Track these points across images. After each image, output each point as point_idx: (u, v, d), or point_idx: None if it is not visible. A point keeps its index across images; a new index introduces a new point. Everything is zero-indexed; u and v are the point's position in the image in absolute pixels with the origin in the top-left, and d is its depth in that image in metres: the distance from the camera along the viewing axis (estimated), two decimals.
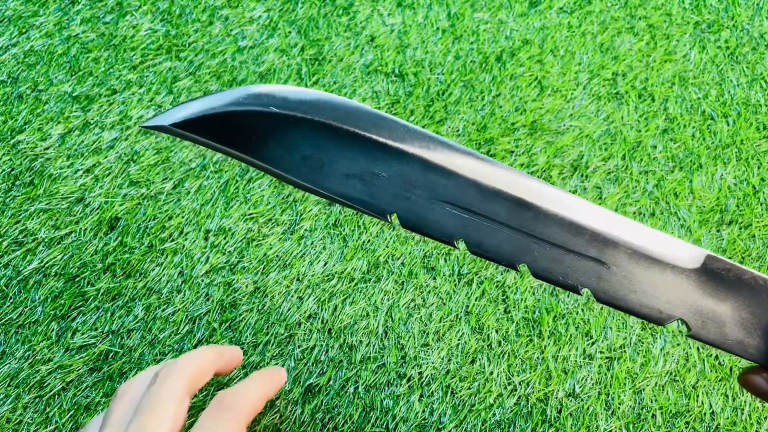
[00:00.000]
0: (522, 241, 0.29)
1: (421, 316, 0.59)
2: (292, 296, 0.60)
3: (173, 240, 0.62)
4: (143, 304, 0.59)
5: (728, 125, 0.71)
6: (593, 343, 0.58)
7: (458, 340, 0.58)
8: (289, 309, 0.59)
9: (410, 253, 0.62)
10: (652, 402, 0.56)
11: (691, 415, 0.56)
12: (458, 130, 0.69)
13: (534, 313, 0.59)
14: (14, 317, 0.58)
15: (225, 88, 0.70)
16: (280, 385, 0.36)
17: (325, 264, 0.61)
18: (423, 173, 0.29)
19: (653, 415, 0.56)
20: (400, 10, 0.77)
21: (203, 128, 0.28)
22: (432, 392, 0.57)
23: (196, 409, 0.55)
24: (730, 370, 0.57)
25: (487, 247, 0.29)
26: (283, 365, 0.57)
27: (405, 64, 0.73)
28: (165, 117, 0.28)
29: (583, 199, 0.29)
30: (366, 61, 0.73)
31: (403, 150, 0.29)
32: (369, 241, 0.62)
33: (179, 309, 0.59)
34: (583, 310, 0.59)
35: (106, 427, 0.34)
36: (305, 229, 0.63)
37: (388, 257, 0.62)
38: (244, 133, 0.28)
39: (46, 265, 0.60)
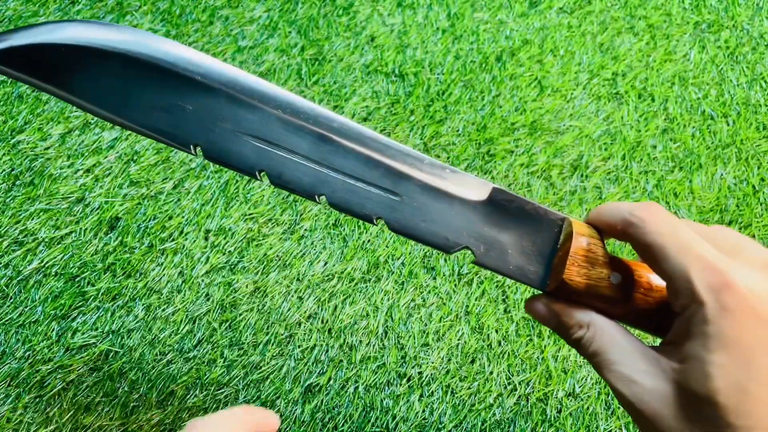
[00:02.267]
0: (321, 174, 0.30)
1: (421, 316, 0.59)
2: (292, 296, 0.60)
3: (173, 240, 0.62)
4: (143, 304, 0.59)
5: (728, 125, 0.71)
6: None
7: (458, 340, 0.59)
8: (289, 309, 0.59)
9: (410, 253, 0.62)
10: None
11: None
12: (458, 130, 0.69)
13: None
14: (14, 317, 0.58)
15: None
16: (272, 427, 0.34)
17: (325, 264, 0.61)
18: (229, 107, 0.30)
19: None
20: (400, 10, 0.77)
21: (10, 60, 0.29)
22: (432, 392, 0.57)
23: None
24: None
25: (288, 179, 0.30)
26: (283, 365, 0.57)
27: (405, 64, 0.73)
28: None
29: (381, 135, 0.30)
30: (366, 61, 0.73)
31: (209, 84, 0.29)
32: (369, 241, 0.62)
33: (179, 309, 0.59)
34: None
35: None
36: (305, 229, 0.63)
37: (388, 257, 0.62)
38: (53, 65, 0.29)
39: (47, 265, 0.60)
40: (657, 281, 0.29)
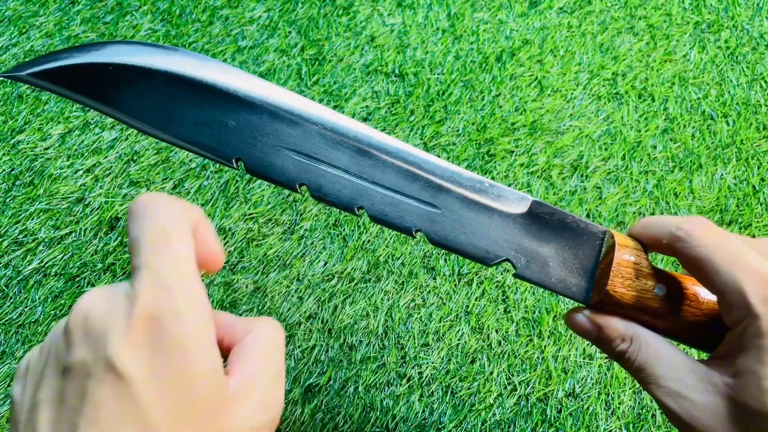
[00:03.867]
0: (361, 187, 0.31)
1: (421, 316, 0.59)
2: (292, 296, 0.60)
3: None
4: None
5: (728, 125, 0.71)
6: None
7: (458, 340, 0.59)
8: (289, 309, 0.59)
9: (410, 253, 0.62)
10: (652, 402, 0.56)
11: None
12: (458, 130, 0.69)
13: (534, 313, 0.60)
14: (14, 317, 0.58)
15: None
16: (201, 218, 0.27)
17: (325, 264, 0.61)
18: (270, 122, 0.31)
19: (653, 415, 0.56)
20: (400, 10, 0.77)
21: (59, 78, 0.30)
22: (432, 392, 0.57)
23: None
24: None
25: (327, 191, 0.31)
26: None
27: (405, 64, 0.73)
28: (23, 68, 0.30)
29: (420, 150, 0.31)
30: (366, 61, 0.73)
31: (252, 101, 0.31)
32: (369, 241, 0.62)
33: None
34: None
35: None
36: (305, 229, 0.63)
37: (388, 257, 0.62)
38: (100, 83, 0.30)
39: (46, 265, 0.60)
40: (704, 294, 0.29)
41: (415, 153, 0.31)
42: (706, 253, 0.26)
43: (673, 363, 0.27)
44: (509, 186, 0.66)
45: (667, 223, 0.28)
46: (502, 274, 0.61)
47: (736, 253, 0.25)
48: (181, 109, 0.30)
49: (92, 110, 0.29)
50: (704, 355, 0.30)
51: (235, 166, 0.30)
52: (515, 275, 0.30)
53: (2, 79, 0.63)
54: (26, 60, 0.68)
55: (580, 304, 0.30)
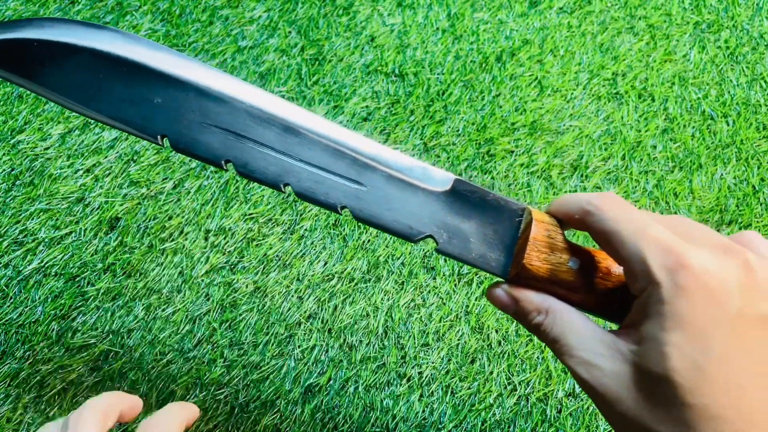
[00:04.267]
0: (287, 164, 0.31)
1: (421, 316, 0.59)
2: (292, 296, 0.60)
3: (173, 240, 0.62)
4: (143, 304, 0.59)
5: (728, 125, 0.71)
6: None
7: (458, 340, 0.59)
8: (289, 309, 0.59)
9: (410, 253, 0.62)
10: None
11: None
12: (458, 130, 0.69)
13: None
14: (14, 317, 0.58)
15: None
16: (196, 416, 0.38)
17: (325, 264, 0.61)
18: (197, 99, 0.31)
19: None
20: (400, 10, 0.77)
21: None
22: (432, 392, 0.57)
23: None
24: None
25: (253, 168, 0.31)
26: (283, 365, 0.57)
27: (405, 64, 0.73)
28: None
29: (345, 128, 0.31)
30: (366, 61, 0.73)
31: (178, 78, 0.31)
32: (369, 241, 0.62)
33: (179, 309, 0.59)
34: None
35: None
36: (305, 229, 0.63)
37: (388, 257, 0.62)
38: (25, 60, 0.31)
39: (47, 265, 0.60)
40: (616, 268, 0.30)
41: (342, 131, 0.31)
42: (614, 225, 0.27)
43: (584, 333, 0.27)
44: (508, 186, 0.66)
45: (579, 199, 0.29)
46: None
47: (641, 225, 0.26)
48: (106, 86, 0.30)
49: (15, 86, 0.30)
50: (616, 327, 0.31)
51: (160, 142, 0.31)
52: (437, 250, 0.31)
53: None
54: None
55: (500, 279, 0.31)
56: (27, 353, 0.57)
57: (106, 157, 0.65)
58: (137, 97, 0.30)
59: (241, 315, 0.59)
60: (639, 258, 0.25)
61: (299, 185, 0.31)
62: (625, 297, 0.29)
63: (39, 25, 0.31)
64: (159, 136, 0.31)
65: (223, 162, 0.30)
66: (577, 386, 0.57)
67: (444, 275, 0.61)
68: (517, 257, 0.30)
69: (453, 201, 0.31)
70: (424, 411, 0.56)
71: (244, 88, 0.31)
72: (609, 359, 0.26)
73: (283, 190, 0.31)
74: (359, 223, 0.32)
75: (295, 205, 0.64)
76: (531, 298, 0.30)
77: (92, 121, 0.68)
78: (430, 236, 0.31)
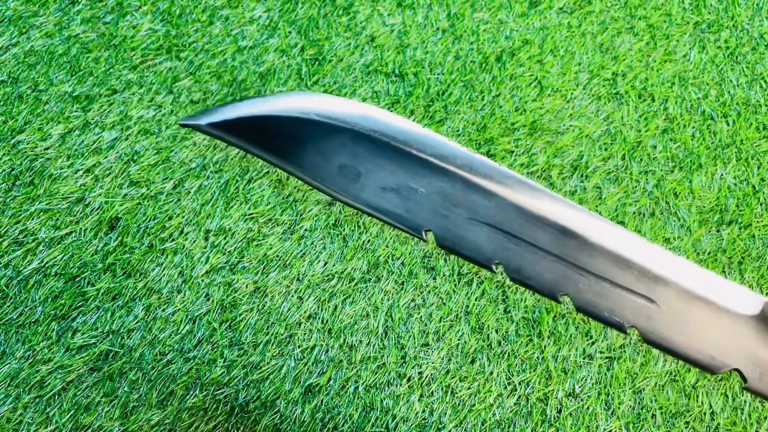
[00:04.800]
0: (565, 271, 0.26)
1: (421, 316, 0.59)
2: (292, 296, 0.60)
3: (173, 240, 0.62)
4: (143, 304, 0.59)
5: (728, 125, 0.71)
6: (593, 343, 0.58)
7: (458, 340, 0.59)
8: (289, 309, 0.59)
9: (410, 253, 0.62)
10: (652, 402, 0.56)
11: (691, 415, 0.56)
12: (458, 130, 0.69)
13: (534, 313, 0.60)
14: (14, 317, 0.58)
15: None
16: None
17: (325, 264, 0.61)
18: (463, 192, 0.27)
19: (653, 415, 0.56)
20: (400, 10, 0.77)
21: (239, 131, 0.27)
22: (432, 392, 0.57)
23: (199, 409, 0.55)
24: (730, 371, 0.57)
25: (527, 274, 0.26)
26: (283, 365, 0.57)
27: (405, 64, 0.73)
28: (202, 116, 0.27)
29: (631, 232, 0.26)
30: (366, 61, 0.73)
31: (445, 167, 0.27)
32: (369, 241, 0.62)
33: (179, 309, 0.59)
34: None
35: None
36: (305, 229, 0.63)
37: (388, 257, 0.62)
38: (282, 138, 0.27)
39: (46, 265, 0.60)
40: None
41: (629, 237, 0.27)
42: None
43: None
44: None
45: None
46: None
47: None
48: (367, 172, 0.27)
49: (265, 163, 0.25)
50: None
51: (424, 237, 0.28)
52: (745, 388, 0.25)
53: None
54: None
55: None
56: (27, 353, 0.57)
57: (106, 157, 0.65)
58: (400, 186, 0.27)
59: (241, 315, 0.59)
60: None
61: (579, 297, 0.26)
62: None
63: (297, 98, 0.26)
64: (423, 231, 0.27)
65: (493, 265, 0.27)
66: (577, 386, 0.57)
67: (444, 275, 0.61)
68: None
69: (764, 329, 0.25)
70: (424, 411, 0.56)
71: (514, 180, 0.27)
72: None
73: (560, 300, 0.27)
74: (646, 343, 0.26)
75: (295, 205, 0.64)
76: None
77: (93, 120, 0.68)
78: (737, 370, 0.26)
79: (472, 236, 0.26)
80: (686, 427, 0.55)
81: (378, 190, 0.27)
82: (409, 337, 0.58)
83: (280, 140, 0.27)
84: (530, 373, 0.57)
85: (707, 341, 0.25)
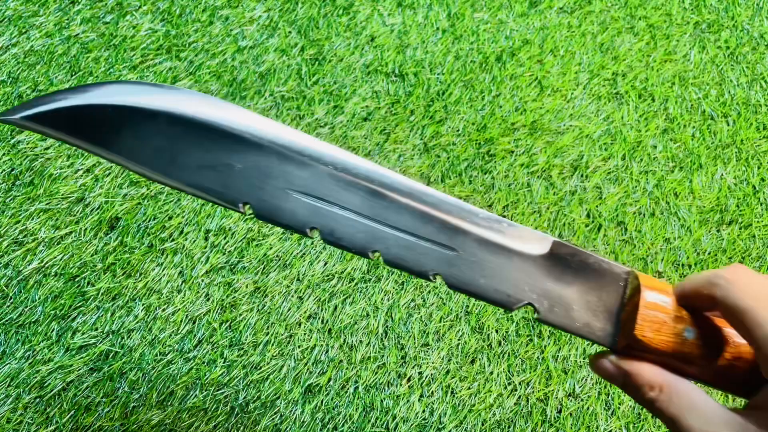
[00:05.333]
0: (375, 230, 0.29)
1: (421, 316, 0.59)
2: (292, 296, 0.60)
3: (173, 240, 0.62)
4: (143, 304, 0.59)
5: (728, 125, 0.71)
6: (593, 343, 0.58)
7: (458, 340, 0.58)
8: (289, 309, 0.59)
9: None
10: None
11: None
12: (458, 130, 0.69)
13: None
14: (14, 317, 0.58)
15: (224, 88, 0.70)
16: None
17: (325, 264, 0.61)
18: (279, 164, 0.29)
19: (653, 415, 0.56)
20: (400, 10, 0.77)
21: (55, 122, 0.28)
22: (432, 392, 0.57)
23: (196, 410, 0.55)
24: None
25: (340, 235, 0.29)
26: (283, 365, 0.57)
27: (405, 64, 0.73)
28: (17, 110, 0.29)
29: (435, 190, 0.30)
30: (366, 61, 0.73)
31: (259, 142, 0.29)
32: None
33: (179, 309, 0.59)
34: None
35: None
36: None
37: None
38: (98, 127, 0.28)
39: (46, 265, 0.60)
40: (737, 337, 0.28)
41: (430, 193, 0.30)
42: (747, 303, 0.24)
43: (707, 414, 0.25)
44: (509, 186, 0.66)
45: (706, 274, 0.27)
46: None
47: None
48: (184, 152, 0.29)
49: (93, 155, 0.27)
50: (739, 400, 0.29)
51: (242, 210, 0.29)
52: (538, 319, 0.29)
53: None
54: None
55: (605, 349, 0.29)
56: (27, 353, 0.57)
57: None
58: (217, 163, 0.29)
59: (241, 315, 0.59)
60: None
61: (388, 252, 0.29)
62: (750, 372, 0.27)
63: (112, 88, 0.29)
64: (241, 204, 0.29)
65: (308, 229, 0.29)
66: (577, 386, 0.57)
67: None
68: (626, 326, 0.28)
69: (552, 265, 0.29)
70: (424, 411, 0.56)
71: (326, 149, 0.30)
72: None
73: (371, 257, 0.29)
74: (450, 288, 0.30)
75: None
76: (643, 371, 0.27)
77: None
78: (530, 304, 0.29)
79: (288, 205, 0.28)
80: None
81: (195, 169, 0.28)
82: (409, 337, 0.58)
83: (96, 129, 0.29)
84: (530, 373, 0.57)
85: (502, 281, 0.29)
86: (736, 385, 0.28)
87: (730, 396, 0.56)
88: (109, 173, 0.65)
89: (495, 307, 0.29)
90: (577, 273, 0.29)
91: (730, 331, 0.28)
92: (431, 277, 0.29)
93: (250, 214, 0.29)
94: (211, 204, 0.63)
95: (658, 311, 0.27)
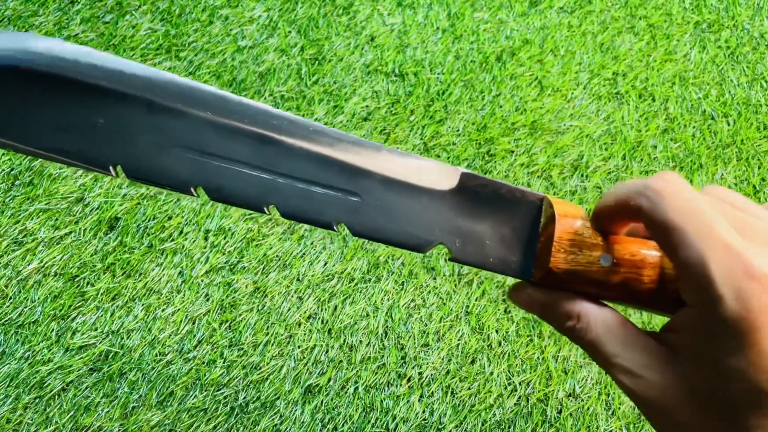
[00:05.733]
0: (268, 181, 0.26)
1: (421, 317, 0.59)
2: (292, 296, 0.60)
3: (173, 240, 0.61)
4: (143, 305, 0.59)
5: (729, 125, 0.71)
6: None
7: (458, 340, 0.58)
8: (289, 309, 0.59)
9: (410, 253, 0.62)
10: None
11: None
12: (458, 130, 0.69)
13: None
14: (14, 317, 0.58)
15: (224, 87, 0.70)
16: None
17: (325, 264, 0.61)
18: (148, 115, 0.25)
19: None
20: (400, 10, 0.76)
21: None
22: (432, 392, 0.56)
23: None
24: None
25: (229, 192, 0.26)
26: (282, 366, 0.57)
27: (405, 64, 0.73)
28: None
29: (329, 128, 0.26)
30: (366, 61, 0.72)
31: (123, 92, 0.25)
32: (369, 241, 0.62)
33: (179, 309, 0.59)
34: None
35: None
36: (305, 229, 0.63)
37: (388, 257, 0.61)
38: None
39: (46, 265, 0.60)
40: (652, 257, 0.27)
41: (324, 131, 0.26)
42: (675, 218, 0.23)
43: (625, 339, 0.25)
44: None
45: (635, 184, 0.25)
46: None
47: (707, 221, 0.23)
48: (33, 111, 0.24)
49: None
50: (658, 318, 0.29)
51: (113, 173, 0.25)
52: (451, 259, 0.27)
53: None
54: None
55: (522, 281, 0.28)
56: (27, 353, 0.57)
57: None
58: (74, 121, 0.24)
59: (240, 315, 0.59)
60: (700, 264, 0.22)
61: (285, 204, 0.26)
62: (669, 293, 0.26)
63: None
64: (111, 166, 0.25)
65: (192, 189, 0.25)
66: (577, 387, 0.57)
67: (444, 275, 0.61)
68: (541, 258, 0.27)
69: (462, 200, 0.27)
70: (424, 411, 0.56)
71: (201, 93, 0.25)
72: (657, 371, 0.24)
73: (267, 212, 0.26)
74: (356, 236, 0.27)
75: None
76: (560, 302, 0.27)
77: None
78: (441, 244, 0.27)
79: (165, 162, 0.24)
80: None
81: (52, 131, 0.24)
82: (409, 337, 0.58)
83: None
84: (530, 373, 0.57)
85: (411, 223, 0.27)
86: (655, 307, 0.27)
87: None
88: None
89: (407, 250, 0.27)
90: (489, 205, 0.27)
91: (647, 252, 0.27)
92: (335, 227, 0.27)
93: (123, 177, 0.26)
94: (210, 204, 0.63)
95: (572, 240, 0.26)
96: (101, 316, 0.58)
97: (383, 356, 0.58)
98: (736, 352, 0.22)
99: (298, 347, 0.58)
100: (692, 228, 0.23)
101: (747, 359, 0.22)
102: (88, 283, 0.59)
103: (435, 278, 0.61)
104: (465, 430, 0.55)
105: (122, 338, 0.58)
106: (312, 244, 0.62)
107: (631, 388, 0.24)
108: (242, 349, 0.58)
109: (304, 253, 0.61)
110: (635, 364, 0.24)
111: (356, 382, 0.57)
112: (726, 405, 0.22)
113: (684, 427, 0.23)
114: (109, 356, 0.57)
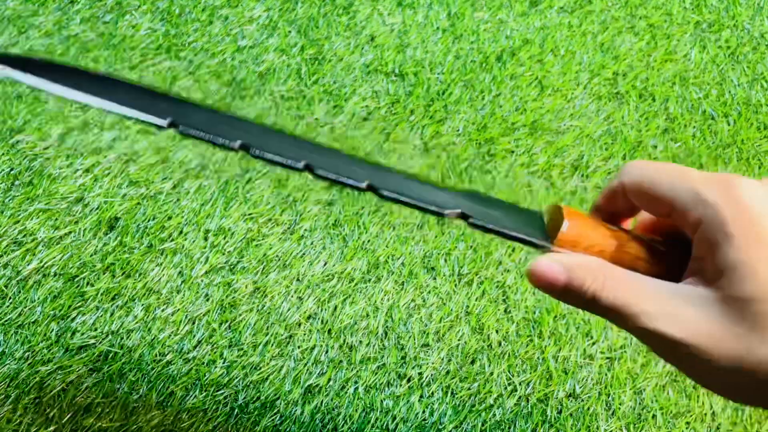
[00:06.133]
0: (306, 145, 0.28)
1: (421, 317, 0.59)
2: (292, 296, 0.60)
3: (173, 240, 0.61)
4: (143, 304, 0.59)
5: (729, 125, 0.71)
6: (594, 344, 0.58)
7: (458, 340, 0.58)
8: (289, 309, 0.59)
9: (410, 253, 0.62)
10: (652, 402, 0.56)
11: (691, 416, 0.55)
12: (458, 130, 0.69)
13: (534, 313, 0.59)
14: (14, 317, 0.58)
15: (223, 88, 0.70)
16: None
17: (325, 264, 0.61)
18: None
19: (654, 416, 0.56)
20: (400, 10, 0.76)
21: None
22: (432, 393, 0.56)
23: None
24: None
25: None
26: (282, 366, 0.57)
27: (405, 64, 0.73)
28: None
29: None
30: (366, 61, 0.72)
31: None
32: (369, 241, 0.62)
33: (179, 309, 0.59)
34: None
35: None
36: (305, 229, 0.62)
37: (388, 257, 0.61)
38: None
39: (46, 265, 0.60)
40: (658, 234, 0.29)
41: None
42: (652, 176, 0.26)
43: (654, 290, 0.26)
44: (510, 185, 0.65)
45: (610, 184, 0.28)
46: (502, 274, 0.61)
47: (678, 169, 0.25)
48: None
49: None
50: None
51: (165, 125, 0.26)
52: (470, 224, 0.28)
53: None
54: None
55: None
56: (26, 354, 0.57)
57: (105, 156, 0.65)
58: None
59: (240, 315, 0.59)
60: (686, 189, 0.24)
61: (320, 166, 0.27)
62: (676, 258, 0.28)
63: None
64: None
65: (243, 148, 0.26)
66: (577, 387, 0.57)
67: (444, 275, 0.61)
68: (553, 232, 0.29)
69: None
70: (424, 412, 0.56)
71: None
72: (691, 306, 0.24)
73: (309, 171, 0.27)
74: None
75: (295, 205, 0.64)
76: (584, 262, 0.27)
77: (92, 120, 0.67)
78: (460, 211, 0.28)
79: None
80: (687, 428, 0.55)
81: None
82: (409, 337, 0.58)
83: None
84: (531, 373, 0.57)
85: (431, 194, 0.29)
86: (667, 275, 0.28)
87: None
88: (109, 173, 0.65)
89: (428, 213, 0.28)
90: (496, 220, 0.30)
91: (653, 229, 0.29)
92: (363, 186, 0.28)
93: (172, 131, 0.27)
94: (210, 204, 0.63)
95: (581, 218, 0.28)
96: (101, 316, 0.58)
97: (383, 356, 0.58)
98: (752, 244, 0.23)
99: (298, 347, 0.58)
100: (668, 173, 0.25)
101: (762, 246, 0.23)
102: (87, 283, 0.59)
103: (435, 278, 0.61)
104: (465, 430, 0.55)
105: (122, 338, 0.58)
106: (312, 244, 0.62)
107: (672, 334, 0.24)
108: (242, 349, 0.58)
109: (304, 253, 0.61)
110: (670, 306, 0.25)
111: (356, 383, 0.56)
112: (760, 305, 0.23)
113: (726, 351, 0.24)
114: (109, 356, 0.57)
